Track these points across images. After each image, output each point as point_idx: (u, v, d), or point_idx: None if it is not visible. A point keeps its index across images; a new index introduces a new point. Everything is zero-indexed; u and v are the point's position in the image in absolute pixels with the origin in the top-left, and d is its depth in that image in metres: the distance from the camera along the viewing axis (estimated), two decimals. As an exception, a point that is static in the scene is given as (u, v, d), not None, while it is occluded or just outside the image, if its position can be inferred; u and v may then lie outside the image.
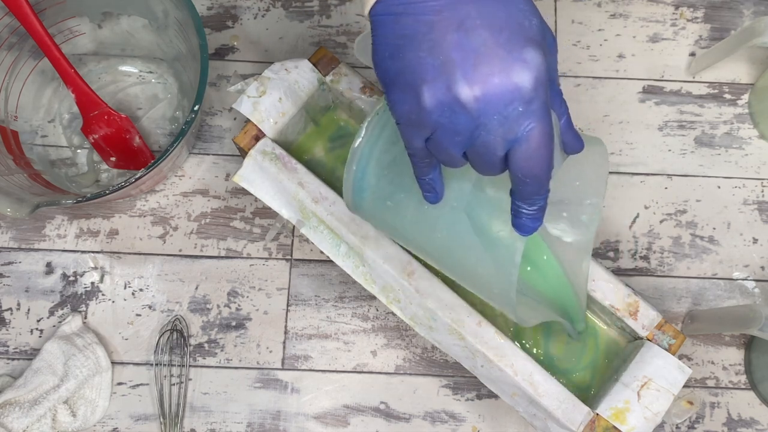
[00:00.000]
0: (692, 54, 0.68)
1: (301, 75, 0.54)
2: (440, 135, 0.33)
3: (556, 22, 0.68)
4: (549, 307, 0.50)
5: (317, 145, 0.57)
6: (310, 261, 0.63)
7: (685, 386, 0.61)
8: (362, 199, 0.43)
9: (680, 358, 0.61)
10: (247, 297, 0.62)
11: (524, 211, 0.35)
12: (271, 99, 0.53)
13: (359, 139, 0.41)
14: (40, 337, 0.61)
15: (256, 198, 0.64)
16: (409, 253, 0.51)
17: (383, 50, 0.33)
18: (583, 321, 0.52)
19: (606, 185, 0.46)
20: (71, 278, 0.62)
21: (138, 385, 0.61)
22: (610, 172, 0.65)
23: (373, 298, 0.62)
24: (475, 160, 0.34)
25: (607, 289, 0.52)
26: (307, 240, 0.63)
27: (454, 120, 0.32)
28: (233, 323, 0.62)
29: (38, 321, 0.62)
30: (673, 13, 0.69)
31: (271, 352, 0.61)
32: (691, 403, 0.60)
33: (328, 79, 0.55)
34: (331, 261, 0.61)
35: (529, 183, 0.34)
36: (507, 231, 0.38)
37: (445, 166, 0.37)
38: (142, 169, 0.53)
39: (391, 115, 0.34)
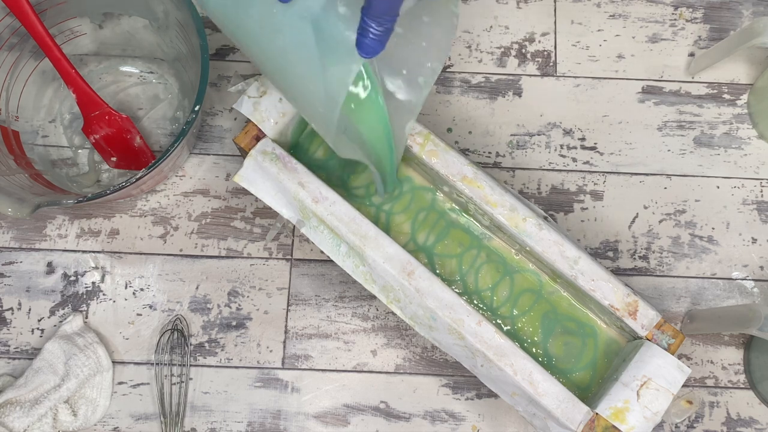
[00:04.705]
0: (691, 54, 0.68)
1: (302, 75, 0.54)
2: None
3: (555, 22, 0.69)
4: (367, 154, 0.50)
5: (317, 145, 0.57)
6: (310, 261, 0.63)
7: (685, 386, 0.61)
8: None
9: (679, 357, 0.61)
10: (248, 297, 0.62)
11: (371, 30, 0.35)
12: (272, 99, 0.53)
13: None
14: (41, 336, 0.62)
15: (256, 198, 0.64)
16: (409, 252, 0.51)
17: None
18: (393, 182, 0.53)
19: (449, 52, 0.46)
20: (72, 278, 0.63)
21: (139, 385, 0.61)
22: (610, 172, 0.65)
23: (373, 297, 0.62)
24: None
25: (606, 288, 0.52)
26: (307, 240, 0.63)
27: None
28: (234, 323, 0.62)
29: (39, 320, 0.62)
30: (673, 14, 0.69)
31: (271, 351, 0.62)
32: (690, 402, 0.60)
33: (328, 79, 0.55)
34: (331, 261, 0.61)
35: (382, 2, 0.34)
36: (347, 50, 0.37)
37: None
38: (143, 169, 0.53)
39: None
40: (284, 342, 0.62)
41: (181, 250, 0.63)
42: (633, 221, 0.64)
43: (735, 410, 0.61)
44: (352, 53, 0.37)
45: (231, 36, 0.45)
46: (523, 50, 0.68)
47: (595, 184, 0.65)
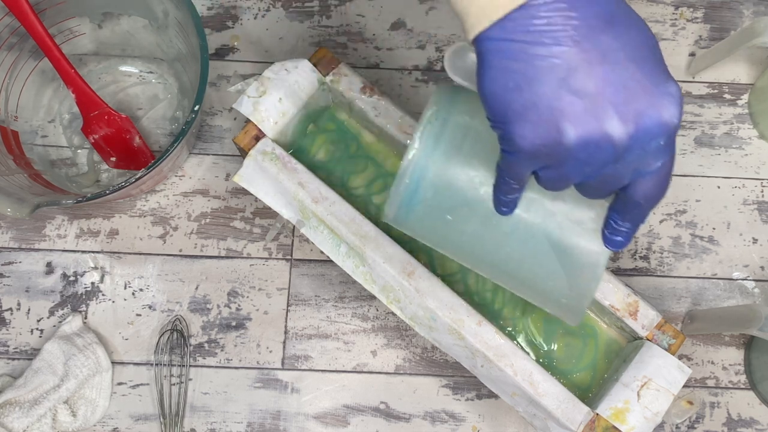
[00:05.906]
0: (692, 54, 0.68)
1: (302, 75, 0.54)
2: (570, 168, 0.31)
3: (555, 22, 0.68)
4: None
5: (317, 145, 0.57)
6: (310, 261, 0.63)
7: (685, 386, 0.61)
8: (411, 212, 0.41)
9: (680, 358, 0.61)
10: (247, 297, 0.62)
11: (623, 229, 0.35)
12: (272, 99, 0.53)
13: (413, 151, 0.39)
14: (40, 337, 0.61)
15: (256, 198, 0.64)
16: (409, 252, 0.51)
17: (504, 81, 0.30)
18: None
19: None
20: (71, 278, 0.62)
21: (138, 385, 0.61)
22: (610, 172, 0.65)
23: (373, 298, 0.62)
24: (593, 186, 0.33)
25: (606, 289, 0.52)
26: (307, 240, 0.63)
27: (595, 155, 0.31)
28: (233, 323, 0.62)
29: (38, 321, 0.62)
30: (673, 14, 0.69)
31: (271, 352, 0.61)
32: (690, 403, 0.60)
33: (328, 79, 0.55)
34: (331, 261, 0.61)
35: (646, 208, 0.34)
36: (588, 245, 0.37)
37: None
38: (143, 169, 0.53)
39: (506, 146, 0.32)
40: (284, 342, 0.62)
41: (180, 251, 0.63)
42: (633, 221, 0.64)
43: (735, 411, 0.61)
44: (599, 248, 0.37)
45: (435, 246, 0.44)
46: (524, 50, 0.68)
47: (595, 184, 0.65)
